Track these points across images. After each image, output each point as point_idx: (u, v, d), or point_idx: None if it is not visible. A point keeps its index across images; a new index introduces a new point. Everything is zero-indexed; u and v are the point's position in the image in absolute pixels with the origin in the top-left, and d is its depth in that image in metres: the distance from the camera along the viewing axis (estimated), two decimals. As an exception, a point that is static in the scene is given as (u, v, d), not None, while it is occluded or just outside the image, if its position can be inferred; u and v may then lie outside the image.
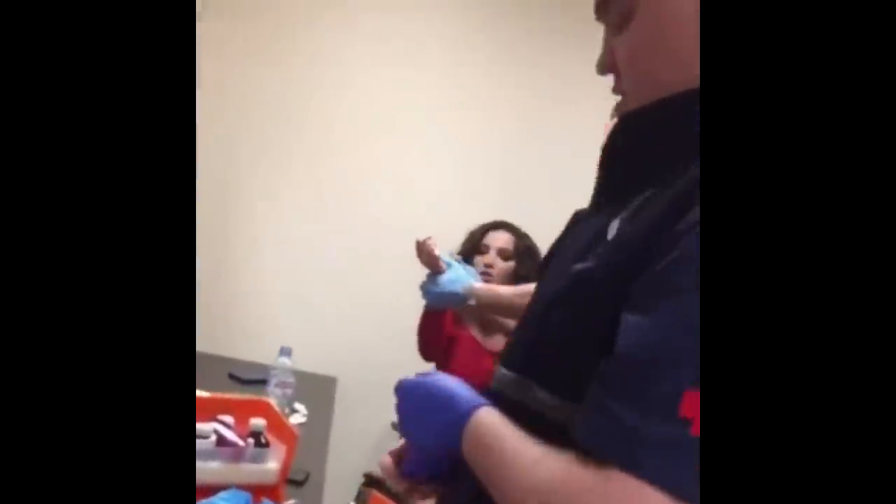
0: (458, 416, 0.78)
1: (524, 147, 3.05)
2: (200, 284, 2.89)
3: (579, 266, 0.75)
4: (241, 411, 1.54)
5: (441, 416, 0.81)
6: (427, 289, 1.63)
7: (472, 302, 1.57)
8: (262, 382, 2.29)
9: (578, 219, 1.03)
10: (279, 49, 2.92)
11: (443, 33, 3.00)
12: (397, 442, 2.48)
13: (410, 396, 0.88)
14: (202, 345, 2.76)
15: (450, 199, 2.99)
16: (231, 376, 2.53)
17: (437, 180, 3.03)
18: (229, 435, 1.48)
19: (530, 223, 2.40)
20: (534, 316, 0.84)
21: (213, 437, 1.46)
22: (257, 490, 1.43)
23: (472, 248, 2.40)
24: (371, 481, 2.70)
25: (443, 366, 2.37)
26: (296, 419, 2.19)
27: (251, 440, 1.49)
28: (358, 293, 2.98)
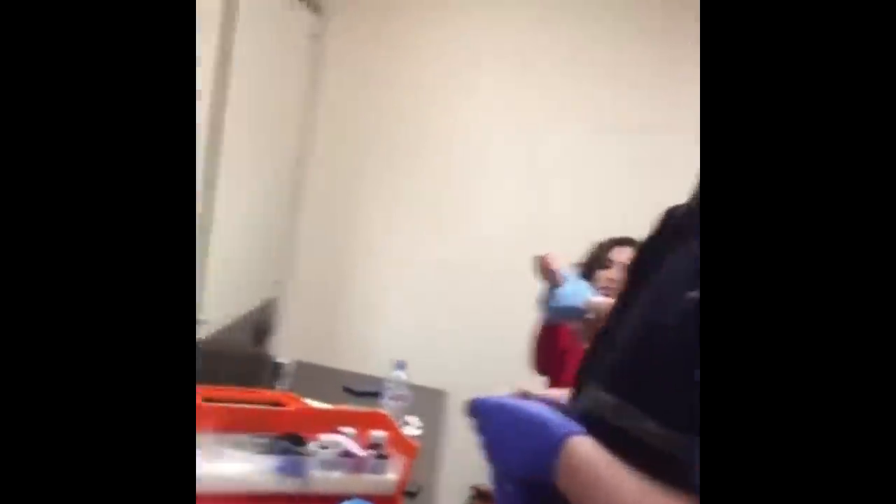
0: (551, 444, 0.75)
1: (643, 163, 2.99)
2: (316, 298, 2.98)
3: (693, 294, 0.73)
4: (362, 423, 1.57)
5: (532, 443, 0.77)
6: (546, 303, 1.62)
7: (591, 316, 1.56)
8: (375, 395, 2.33)
9: (672, 216, 0.99)
10: (402, 59, 2.98)
11: (565, 45, 2.98)
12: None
13: (496, 420, 0.84)
14: (319, 357, 2.83)
15: (566, 213, 2.97)
16: (345, 388, 2.58)
17: (553, 195, 3.01)
18: (352, 446, 1.51)
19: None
20: (632, 335, 0.81)
21: (336, 448, 1.50)
22: (377, 501, 1.45)
23: (596, 262, 2.37)
24: (479, 494, 2.71)
25: (555, 380, 2.35)
26: (408, 432, 2.22)
27: (372, 452, 1.51)
28: (470, 307, 3.00)
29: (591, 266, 2.36)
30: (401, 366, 2.23)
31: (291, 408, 1.59)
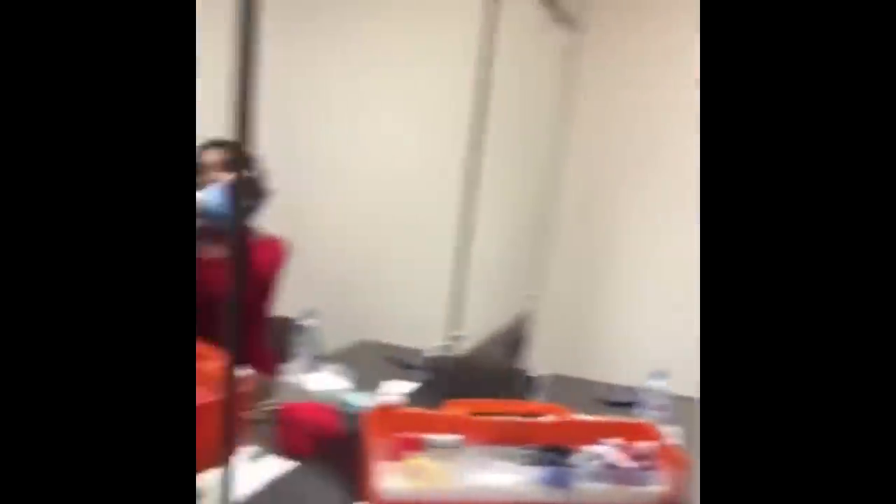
0: None
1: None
2: (567, 310, 3.00)
3: None
4: (627, 434, 1.56)
5: None
6: None
7: None
8: (629, 405, 2.29)
9: None
10: (654, 63, 2.94)
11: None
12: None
13: None
14: (569, 368, 2.84)
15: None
16: (598, 399, 2.56)
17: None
18: (618, 458, 1.51)
19: None
20: None
21: (601, 460, 1.50)
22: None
23: None
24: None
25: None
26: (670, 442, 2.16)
27: (639, 463, 1.50)
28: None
29: None
30: (662, 375, 2.18)
31: (557, 419, 1.61)
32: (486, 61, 2.03)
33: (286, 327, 2.33)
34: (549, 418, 1.62)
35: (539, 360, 2.84)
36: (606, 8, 2.96)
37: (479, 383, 2.14)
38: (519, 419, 1.59)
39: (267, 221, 2.54)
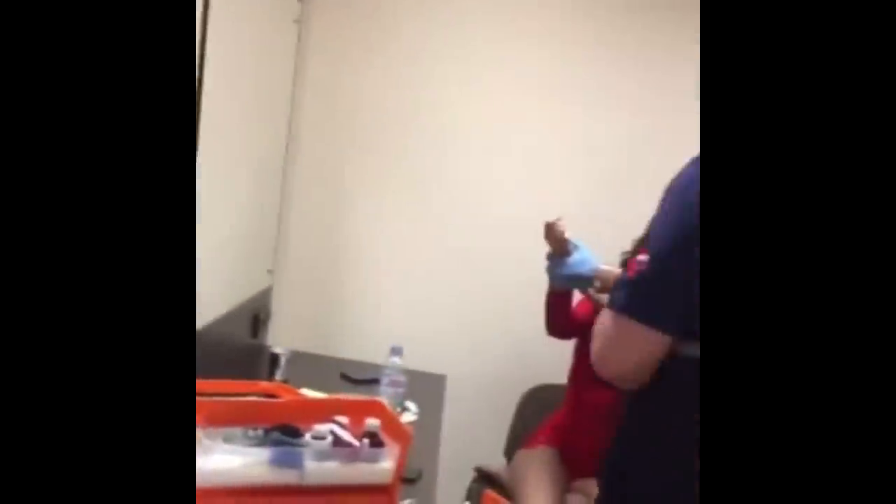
0: None
1: (639, 140, 2.92)
2: (311, 286, 2.95)
3: None
4: (355, 412, 1.56)
5: None
6: (553, 271, 1.64)
7: (598, 284, 1.57)
8: (375, 382, 2.32)
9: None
10: (386, 47, 2.91)
11: (557, 20, 2.91)
12: (505, 438, 2.47)
13: None
14: (315, 346, 2.82)
15: (566, 192, 2.89)
16: (343, 376, 2.57)
17: (553, 175, 2.94)
18: (345, 435, 1.50)
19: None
20: None
21: (330, 438, 1.48)
22: (374, 489, 1.45)
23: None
24: (482, 476, 2.69)
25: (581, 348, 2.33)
26: (407, 417, 2.21)
27: (366, 440, 1.50)
28: (466, 290, 2.95)
29: None
30: (397, 351, 2.22)
31: (282, 399, 1.57)
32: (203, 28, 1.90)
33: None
34: (277, 398, 1.58)
35: (283, 337, 2.78)
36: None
37: (217, 361, 2.06)
38: (244, 399, 1.54)
39: None
